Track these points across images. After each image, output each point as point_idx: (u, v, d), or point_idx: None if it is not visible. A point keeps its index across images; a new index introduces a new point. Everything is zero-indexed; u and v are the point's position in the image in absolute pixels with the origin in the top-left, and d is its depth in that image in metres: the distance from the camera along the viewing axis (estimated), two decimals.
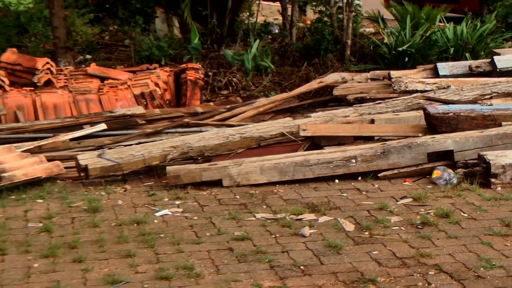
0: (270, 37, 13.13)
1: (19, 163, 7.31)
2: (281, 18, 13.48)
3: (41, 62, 9.64)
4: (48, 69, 9.66)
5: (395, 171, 7.26)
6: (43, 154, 7.67)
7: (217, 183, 7.09)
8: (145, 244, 5.76)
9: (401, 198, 6.73)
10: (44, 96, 9.16)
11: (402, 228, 6.04)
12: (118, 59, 12.41)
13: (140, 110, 9.06)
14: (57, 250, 5.64)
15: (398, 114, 8.33)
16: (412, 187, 7.05)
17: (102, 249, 5.69)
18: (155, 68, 10.50)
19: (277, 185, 7.10)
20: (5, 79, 9.41)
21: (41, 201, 6.84)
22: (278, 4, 13.74)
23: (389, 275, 5.16)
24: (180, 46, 12.12)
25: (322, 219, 6.25)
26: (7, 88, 9.35)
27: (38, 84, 9.50)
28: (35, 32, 13.61)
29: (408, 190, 6.91)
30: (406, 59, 11.12)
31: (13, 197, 6.89)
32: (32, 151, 7.82)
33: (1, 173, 7.00)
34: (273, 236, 5.91)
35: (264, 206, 6.60)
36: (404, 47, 11.11)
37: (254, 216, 6.35)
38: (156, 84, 9.78)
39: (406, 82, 9.51)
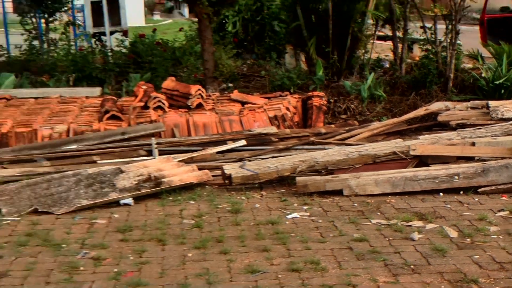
0: (382, 70, 13.05)
1: (175, 170, 7.48)
2: (391, 54, 13.36)
3: (194, 89, 9.84)
4: (200, 94, 9.84)
5: (493, 187, 7.03)
6: (194, 164, 7.81)
7: (338, 193, 7.04)
8: (279, 241, 5.78)
9: (499, 211, 6.51)
10: (196, 117, 9.33)
11: (500, 236, 5.84)
12: (254, 87, 12.56)
13: (273, 129, 9.11)
14: (207, 243, 5.73)
15: (496, 138, 8.05)
16: (509, 201, 6.80)
17: (243, 244, 5.74)
18: (286, 95, 10.57)
19: (389, 196, 6.98)
20: (165, 102, 9.65)
21: (193, 202, 6.95)
22: (389, 43, 13.62)
23: (489, 277, 5.00)
24: (306, 77, 12.17)
25: (429, 226, 6.12)
26: (167, 109, 9.58)
27: (191, 106, 9.69)
28: (187, 64, 13.94)
29: (505, 204, 6.67)
30: (502, 91, 10.76)
31: (170, 198, 7.02)
32: (186, 161, 7.96)
33: (161, 179, 7.18)
34: (387, 239, 5.83)
35: (379, 213, 6.52)
36: (501, 81, 10.77)
37: (370, 221, 6.28)
38: (287, 109, 9.82)
39: (503, 111, 9.21)
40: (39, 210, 6.62)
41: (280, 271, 5.17)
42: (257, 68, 14.46)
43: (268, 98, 10.50)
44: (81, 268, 5.29)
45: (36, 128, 8.85)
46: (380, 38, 14.22)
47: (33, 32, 15.43)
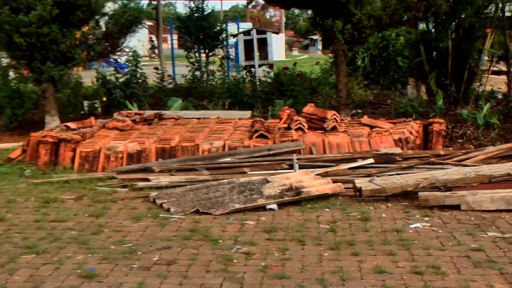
0: (495, 101, 12.54)
1: (313, 182, 7.49)
2: (504, 87, 12.85)
3: (330, 114, 9.84)
4: (334, 118, 9.81)
5: None
6: (329, 177, 7.80)
7: (456, 207, 6.80)
8: (403, 247, 5.66)
9: None
10: (330, 137, 9.31)
11: None
12: (380, 114, 12.44)
13: (398, 150, 8.94)
14: (340, 246, 5.71)
15: None
16: None
17: (372, 248, 5.67)
18: (409, 121, 10.36)
19: (503, 212, 6.66)
20: (305, 124, 9.71)
21: (327, 210, 6.93)
22: (502, 77, 13.14)
23: None
24: (427, 106, 11.91)
25: None
26: (306, 130, 9.63)
27: (326, 128, 9.69)
28: (322, 93, 14.01)
29: None
30: None
31: (308, 206, 7.05)
32: (322, 175, 7.96)
33: (301, 189, 7.22)
34: (502, 250, 5.57)
35: (494, 227, 6.23)
36: None
37: (486, 234, 6.01)
38: (410, 132, 9.62)
39: None
40: (200, 210, 6.83)
41: (405, 273, 5.06)
42: (382, 97, 14.31)
43: (393, 123, 10.33)
44: (235, 260, 5.41)
45: (198, 143, 9.16)
46: (494, 72, 13.72)
47: (195, 64, 16.06)
